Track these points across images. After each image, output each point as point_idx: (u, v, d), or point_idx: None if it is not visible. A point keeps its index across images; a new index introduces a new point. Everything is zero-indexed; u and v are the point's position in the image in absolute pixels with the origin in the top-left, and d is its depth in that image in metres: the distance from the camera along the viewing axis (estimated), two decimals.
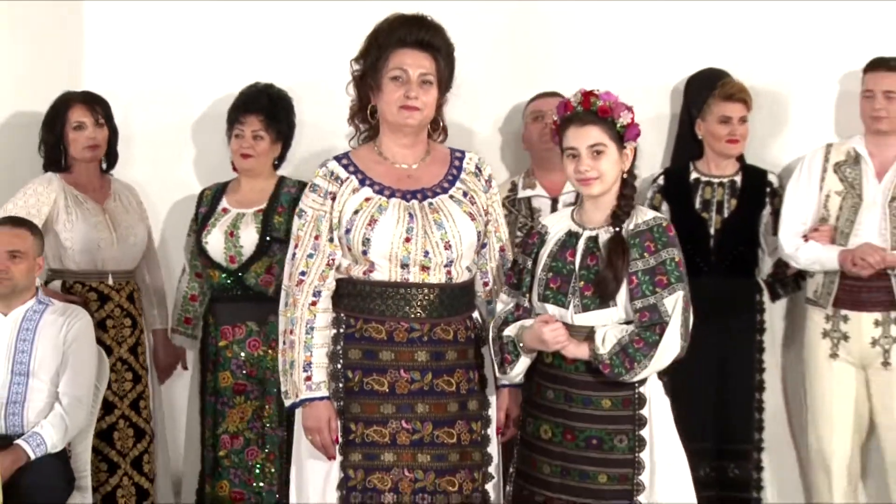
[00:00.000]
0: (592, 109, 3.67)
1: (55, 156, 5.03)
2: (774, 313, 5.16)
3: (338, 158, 3.91)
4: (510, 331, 3.74)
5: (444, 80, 3.90)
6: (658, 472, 3.68)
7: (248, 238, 4.89)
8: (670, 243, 3.66)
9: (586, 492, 3.71)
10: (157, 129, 5.47)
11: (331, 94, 4.78)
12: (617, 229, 3.67)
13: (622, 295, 3.63)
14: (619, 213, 3.69)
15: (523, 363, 3.78)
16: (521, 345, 3.71)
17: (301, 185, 4.89)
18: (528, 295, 3.80)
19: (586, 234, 3.73)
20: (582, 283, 3.68)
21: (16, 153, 5.27)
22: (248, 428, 4.85)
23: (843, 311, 4.76)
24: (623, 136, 3.68)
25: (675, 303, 3.60)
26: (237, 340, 4.87)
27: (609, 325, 3.63)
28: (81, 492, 4.74)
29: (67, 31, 5.46)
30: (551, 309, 3.70)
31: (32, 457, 4.47)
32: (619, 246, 3.65)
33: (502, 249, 3.98)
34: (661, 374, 3.70)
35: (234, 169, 5.09)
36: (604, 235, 3.69)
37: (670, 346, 3.59)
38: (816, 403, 4.87)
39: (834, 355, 4.80)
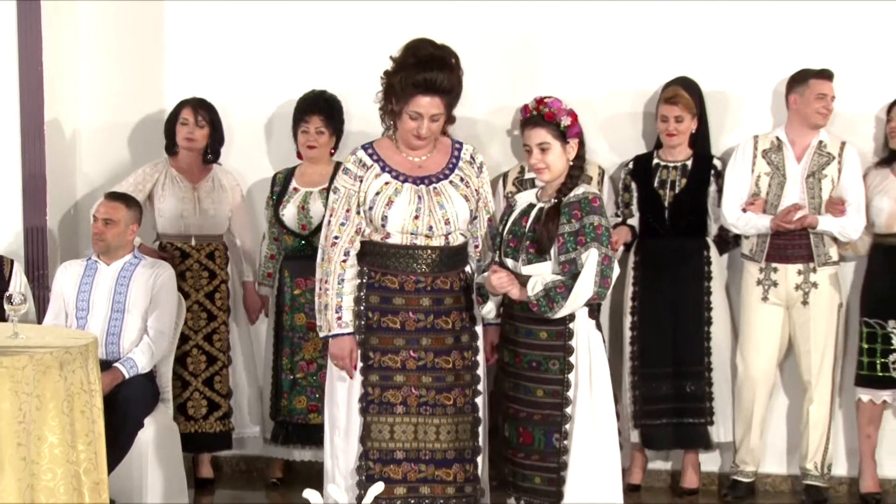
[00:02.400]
0: (541, 114, 4.42)
1: (169, 143, 6.03)
2: (720, 265, 5.96)
3: (364, 148, 4.64)
4: (479, 279, 4.54)
5: (453, 107, 4.59)
6: (580, 389, 4.36)
7: (316, 211, 5.83)
8: (593, 212, 4.30)
9: (529, 403, 4.44)
10: (237, 126, 6.30)
11: (370, 96, 5.51)
12: (556, 201, 4.40)
13: (555, 252, 4.35)
14: (563, 190, 4.43)
15: (490, 304, 4.56)
16: (485, 290, 4.50)
17: None
18: (499, 251, 4.57)
19: (539, 205, 4.49)
20: (527, 242, 4.43)
21: (116, 150, 6.29)
22: (320, 356, 5.74)
23: (773, 264, 5.69)
24: (566, 134, 4.43)
25: (588, 257, 4.25)
26: (308, 289, 5.71)
27: (542, 274, 4.33)
28: (165, 403, 5.59)
29: (151, 57, 6.39)
30: (510, 262, 4.47)
31: (127, 376, 5.28)
32: (553, 213, 4.38)
33: (489, 220, 4.73)
34: (591, 313, 4.41)
35: (299, 157, 6.01)
36: (548, 206, 4.43)
37: (583, 291, 4.26)
38: (747, 335, 5.78)
39: (765, 298, 5.73)
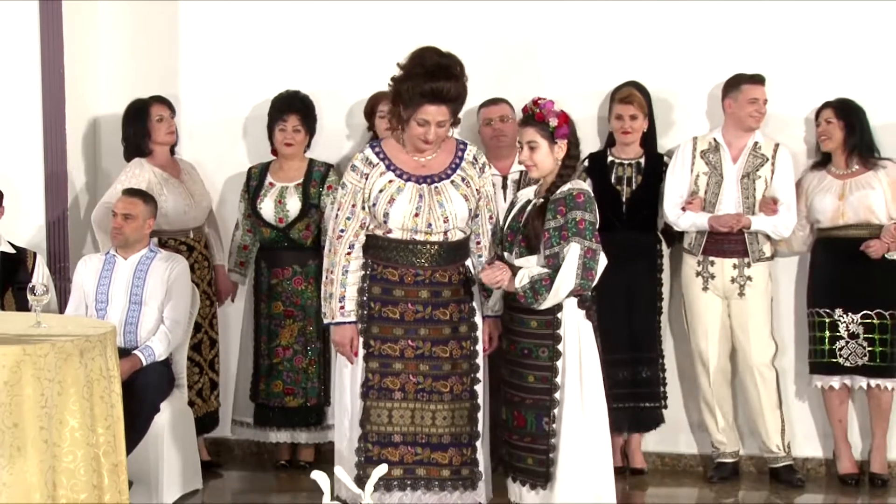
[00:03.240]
0: (532, 114, 4.60)
1: (138, 145, 6.04)
2: (668, 257, 6.19)
3: (372, 147, 4.80)
4: (487, 276, 4.64)
5: (458, 112, 4.71)
6: (569, 376, 4.54)
7: (293, 205, 6.00)
8: (576, 207, 4.47)
9: (521, 388, 4.63)
10: (215, 123, 6.46)
11: (341, 97, 6.03)
12: (543, 200, 4.55)
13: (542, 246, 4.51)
14: (551, 188, 4.59)
15: (495, 296, 4.77)
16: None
17: (326, 166, 6.02)
18: (500, 246, 4.76)
19: (533, 202, 4.66)
20: (520, 237, 4.62)
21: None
22: (296, 342, 5.98)
23: (711, 258, 5.91)
24: (554, 135, 4.60)
25: (569, 251, 4.42)
26: (285, 279, 6.03)
27: (529, 268, 4.49)
28: (180, 389, 5.76)
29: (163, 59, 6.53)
30: (508, 255, 4.66)
31: (145, 363, 5.45)
32: (539, 212, 4.55)
33: (491, 218, 4.87)
34: (581, 304, 4.57)
35: (273, 153, 6.14)
36: (538, 204, 4.58)
37: (564, 284, 4.43)
38: (694, 322, 6.01)
39: (705, 289, 5.95)
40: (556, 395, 4.56)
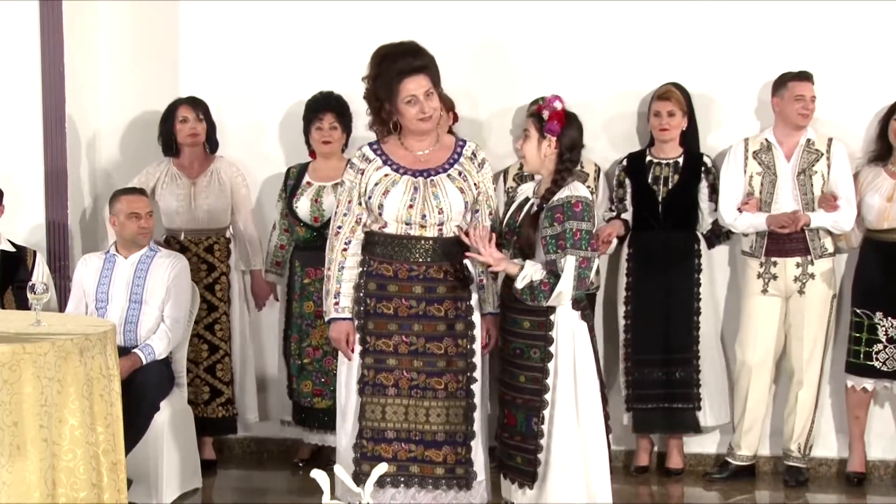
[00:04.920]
0: (536, 105, 4.61)
1: (168, 144, 6.16)
2: (713, 260, 6.18)
3: (370, 145, 4.81)
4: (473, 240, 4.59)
5: (438, 83, 4.74)
6: (561, 378, 4.53)
7: (329, 204, 6.00)
8: (573, 217, 4.45)
9: (513, 387, 4.65)
10: (252, 124, 6.51)
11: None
12: (537, 208, 4.55)
13: (539, 253, 4.53)
14: (546, 195, 4.58)
15: (490, 291, 4.75)
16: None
17: None
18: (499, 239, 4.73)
19: (532, 200, 4.66)
20: (515, 237, 4.64)
21: (134, 146, 6.45)
22: (325, 343, 5.89)
23: (773, 259, 5.87)
24: (542, 129, 4.57)
25: (565, 263, 4.43)
26: (318, 278, 5.91)
27: (532, 271, 4.50)
28: (179, 388, 5.78)
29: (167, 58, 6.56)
30: (505, 252, 4.64)
31: (145, 362, 5.47)
32: (532, 221, 4.57)
33: (491, 214, 4.85)
34: (575, 305, 4.55)
35: (311, 155, 6.18)
36: (534, 209, 4.58)
37: (563, 292, 4.45)
38: (746, 325, 5.97)
39: (765, 291, 5.91)
40: (546, 397, 4.56)
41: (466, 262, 4.76)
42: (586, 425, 4.58)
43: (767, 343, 5.96)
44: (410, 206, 4.70)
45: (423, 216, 4.71)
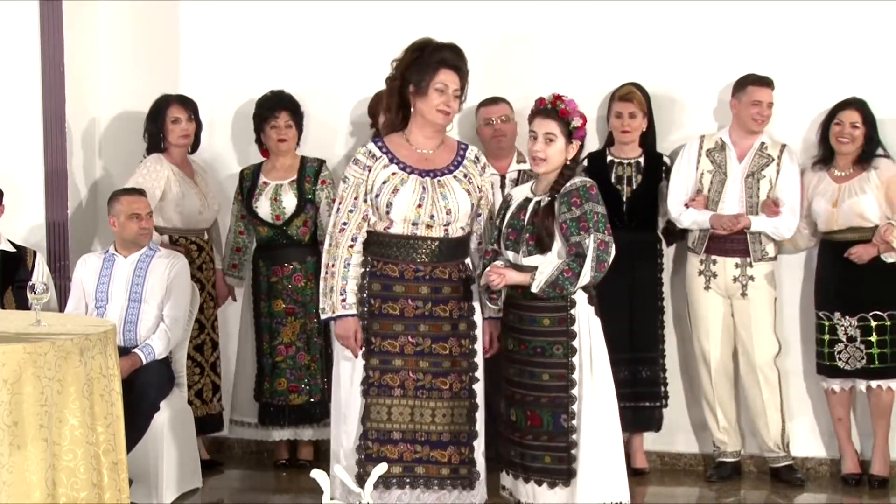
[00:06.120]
0: (556, 108, 4.61)
1: (156, 142, 6.10)
2: (668, 257, 6.23)
3: (375, 142, 4.83)
4: (483, 280, 4.68)
5: (464, 88, 4.79)
6: (584, 372, 4.56)
7: (289, 202, 6.04)
8: (591, 199, 4.54)
9: (535, 387, 4.61)
10: (215, 123, 6.45)
11: (343, 97, 6.11)
12: (550, 199, 4.57)
13: (557, 243, 4.55)
14: (556, 187, 4.61)
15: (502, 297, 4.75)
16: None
17: (318, 161, 6.07)
18: (497, 244, 4.75)
19: (535, 199, 4.67)
20: (527, 235, 4.61)
21: (135, 145, 6.38)
22: (298, 339, 6.01)
23: (713, 256, 5.93)
24: (572, 134, 4.62)
25: (590, 243, 4.48)
26: (285, 276, 6.06)
27: (542, 269, 4.52)
28: (180, 388, 5.79)
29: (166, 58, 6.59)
30: (511, 255, 4.66)
31: (144, 361, 5.47)
32: (547, 211, 4.58)
33: (490, 218, 4.89)
34: (591, 300, 4.61)
35: (262, 152, 6.19)
36: (544, 202, 4.61)
37: (585, 275, 4.50)
38: (697, 321, 6.02)
39: (707, 287, 5.97)
40: (574, 392, 4.58)
41: (468, 261, 4.82)
42: (606, 420, 4.61)
43: (718, 338, 5.98)
44: (419, 206, 4.72)
45: (432, 216, 4.72)
